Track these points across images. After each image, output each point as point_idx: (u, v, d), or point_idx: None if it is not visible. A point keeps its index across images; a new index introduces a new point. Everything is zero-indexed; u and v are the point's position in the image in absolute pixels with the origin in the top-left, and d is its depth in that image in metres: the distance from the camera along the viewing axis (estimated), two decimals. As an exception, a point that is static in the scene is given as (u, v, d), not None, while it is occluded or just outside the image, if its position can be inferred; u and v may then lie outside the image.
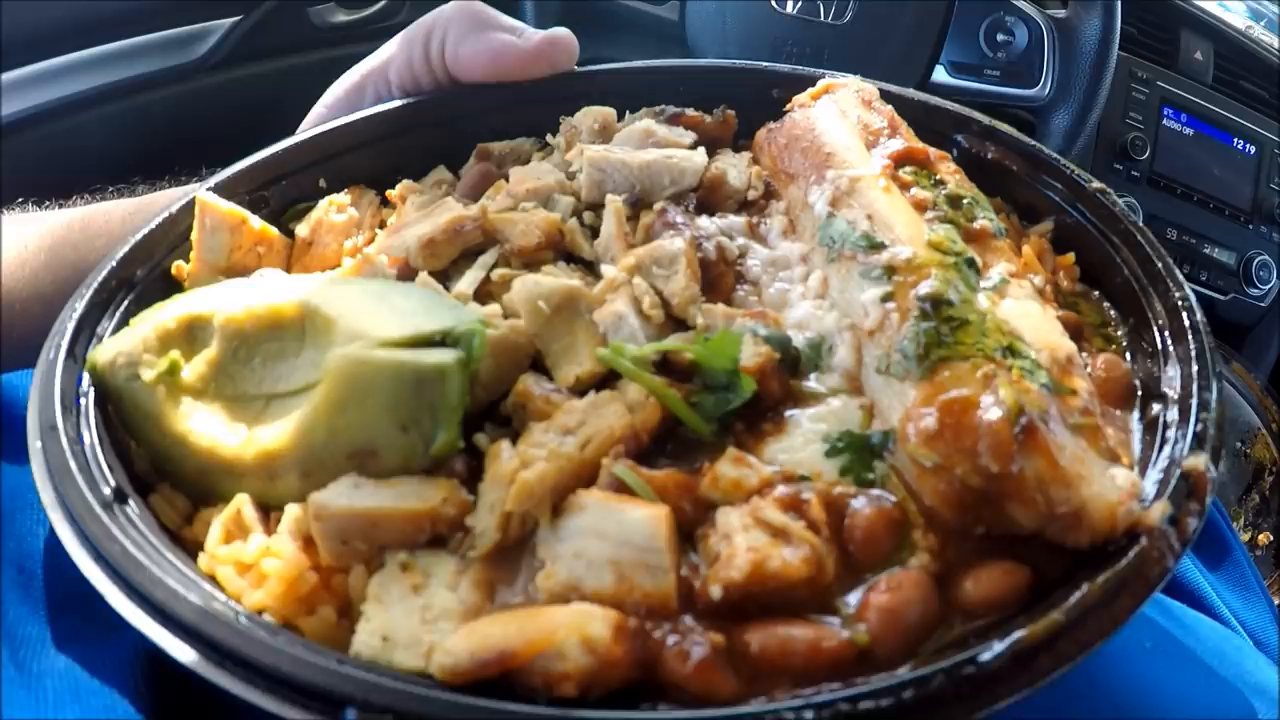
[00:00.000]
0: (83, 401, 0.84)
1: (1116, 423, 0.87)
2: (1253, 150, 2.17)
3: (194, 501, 0.82)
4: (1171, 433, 0.79)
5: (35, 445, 0.81)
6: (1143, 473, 0.77)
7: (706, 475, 0.71)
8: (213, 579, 0.75)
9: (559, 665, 0.60)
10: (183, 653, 0.65)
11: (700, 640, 0.63)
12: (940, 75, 1.89)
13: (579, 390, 0.77)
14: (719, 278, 0.86)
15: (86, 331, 0.90)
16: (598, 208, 0.93)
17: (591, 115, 1.02)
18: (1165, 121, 2.08)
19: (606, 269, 0.83)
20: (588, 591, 0.65)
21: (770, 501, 0.70)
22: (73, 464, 0.78)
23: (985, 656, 0.61)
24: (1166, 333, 0.86)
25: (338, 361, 0.72)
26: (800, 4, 1.89)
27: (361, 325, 0.74)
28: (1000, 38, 1.88)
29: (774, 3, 1.91)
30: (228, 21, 2.07)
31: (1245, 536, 1.95)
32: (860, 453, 0.76)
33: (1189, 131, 2.09)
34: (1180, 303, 0.88)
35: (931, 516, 0.73)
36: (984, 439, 0.70)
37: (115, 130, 1.96)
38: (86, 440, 0.81)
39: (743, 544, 0.66)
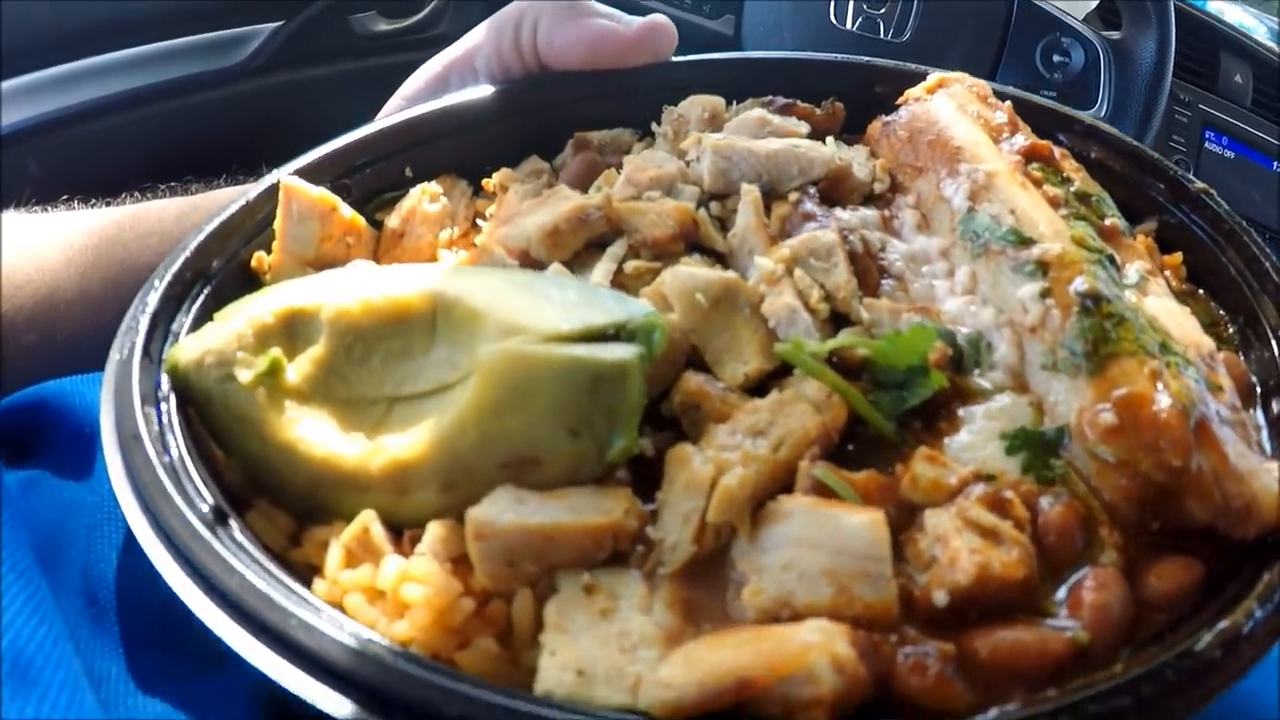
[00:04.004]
0: (163, 407, 0.70)
1: (1246, 420, 0.82)
2: (1291, 174, 2.13)
3: (298, 519, 0.68)
4: None
5: (115, 459, 0.66)
6: (1278, 463, 0.74)
7: (905, 476, 0.62)
8: (339, 609, 0.61)
9: (808, 690, 0.50)
10: (338, 706, 0.51)
11: (931, 651, 0.55)
12: (996, 95, 1.83)
13: (746, 389, 0.66)
14: (865, 272, 0.76)
15: (161, 328, 0.75)
16: (721, 198, 0.83)
17: (699, 104, 0.91)
18: (1207, 144, 2.01)
19: (761, 261, 0.72)
20: (800, 606, 0.55)
21: (974, 502, 0.62)
22: (165, 479, 0.63)
23: (1199, 647, 0.58)
24: None
25: (494, 358, 0.60)
26: (860, 21, 1.82)
27: (518, 318, 0.61)
28: (1056, 59, 1.81)
29: (834, 19, 1.83)
30: (269, 26, 1.90)
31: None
32: (1038, 449, 0.69)
33: (1230, 154, 2.02)
34: None
35: (1112, 512, 0.67)
36: (1164, 435, 0.65)
37: (153, 132, 1.78)
38: (174, 451, 0.67)
39: (962, 547, 0.58)
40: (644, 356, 0.59)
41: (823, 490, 0.59)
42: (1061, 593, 0.61)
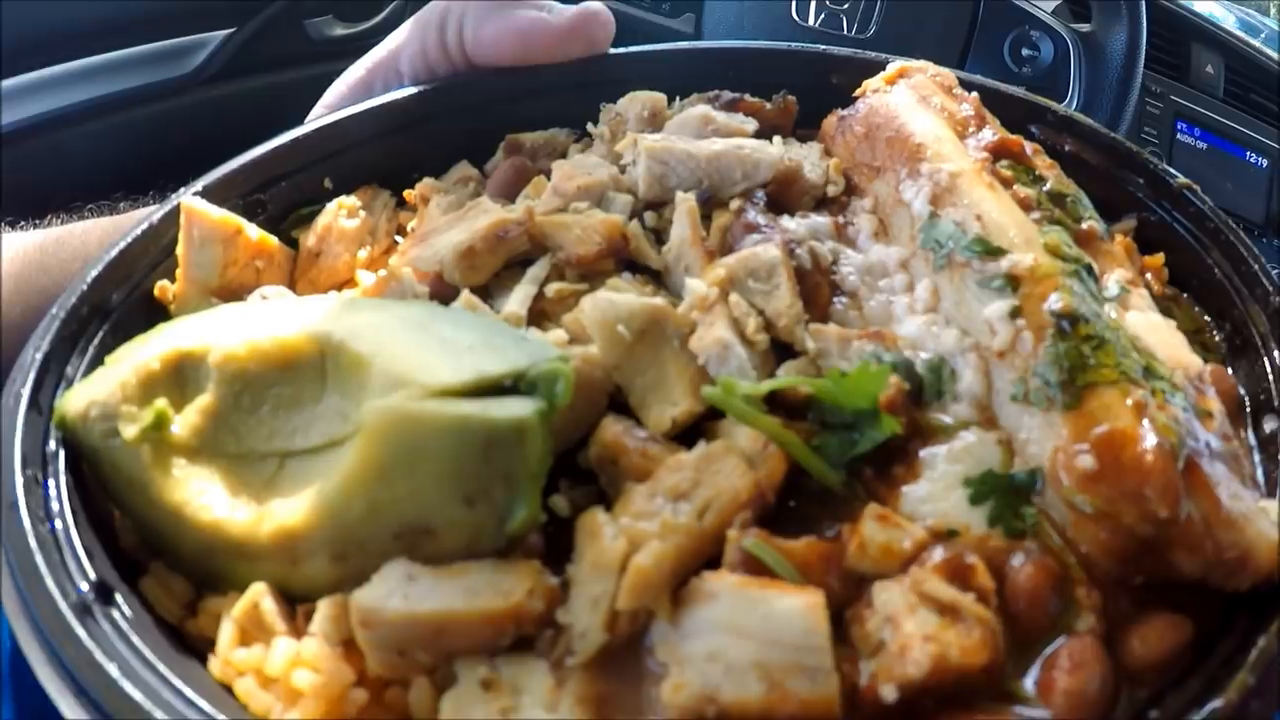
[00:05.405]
0: (50, 467, 0.61)
1: (1239, 449, 0.72)
2: (1265, 164, 1.97)
3: (196, 584, 0.59)
4: None
5: None
6: (1270, 496, 0.63)
7: (852, 541, 0.52)
8: (230, 691, 0.53)
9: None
10: None
11: None
12: (964, 89, 1.71)
13: (675, 435, 0.56)
14: (814, 289, 0.65)
15: (54, 373, 0.65)
16: (658, 206, 0.72)
17: (639, 101, 0.79)
18: (1179, 136, 1.88)
19: (693, 283, 0.61)
20: (727, 703, 0.46)
21: (930, 570, 0.51)
22: (39, 557, 0.54)
23: None
24: (1271, 341, 0.71)
25: (377, 417, 0.50)
26: (823, 17, 1.70)
27: (405, 367, 0.51)
28: (1026, 52, 1.68)
29: (795, 15, 1.70)
30: (222, 33, 1.75)
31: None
32: (1007, 497, 0.59)
33: (1202, 145, 1.89)
34: None
35: (1090, 568, 0.58)
36: (1149, 481, 0.55)
37: (103, 146, 1.64)
38: (58, 520, 0.58)
39: (915, 631, 0.48)
40: (543, 412, 0.49)
41: (754, 564, 0.49)
42: (1033, 671, 0.52)
